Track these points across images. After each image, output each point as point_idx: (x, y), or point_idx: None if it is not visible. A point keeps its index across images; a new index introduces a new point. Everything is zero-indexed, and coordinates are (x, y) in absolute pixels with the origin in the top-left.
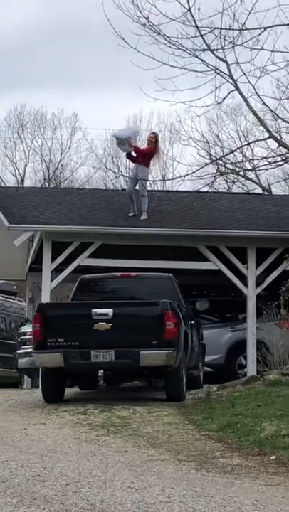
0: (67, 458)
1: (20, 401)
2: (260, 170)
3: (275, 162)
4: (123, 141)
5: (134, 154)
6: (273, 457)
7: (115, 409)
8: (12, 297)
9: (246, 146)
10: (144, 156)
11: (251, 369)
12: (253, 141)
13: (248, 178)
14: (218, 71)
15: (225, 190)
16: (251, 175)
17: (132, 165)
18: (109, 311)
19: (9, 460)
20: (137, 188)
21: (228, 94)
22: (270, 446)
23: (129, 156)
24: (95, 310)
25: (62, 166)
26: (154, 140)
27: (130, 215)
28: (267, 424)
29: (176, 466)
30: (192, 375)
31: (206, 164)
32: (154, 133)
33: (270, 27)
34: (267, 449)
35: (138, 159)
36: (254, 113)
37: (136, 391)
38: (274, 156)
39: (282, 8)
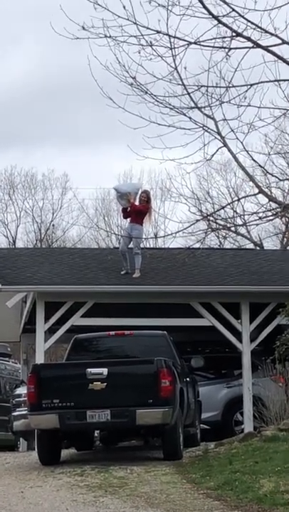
0: None
1: (16, 464)
2: (251, 225)
3: (265, 217)
4: (122, 196)
5: (128, 210)
6: None
7: (112, 469)
8: (6, 359)
9: (237, 202)
10: (137, 214)
11: (248, 425)
12: (243, 197)
13: (239, 234)
14: (206, 128)
15: (217, 246)
16: (242, 230)
17: (124, 223)
18: (104, 371)
19: None
20: (130, 245)
21: (217, 150)
22: (269, 503)
23: (123, 211)
24: (89, 369)
25: (53, 226)
26: (145, 199)
27: (122, 273)
28: (265, 480)
29: None
30: (189, 433)
31: (197, 221)
32: (145, 191)
33: (256, 83)
34: (266, 506)
35: (131, 216)
36: (243, 169)
37: (133, 450)
38: (264, 211)
39: (267, 64)
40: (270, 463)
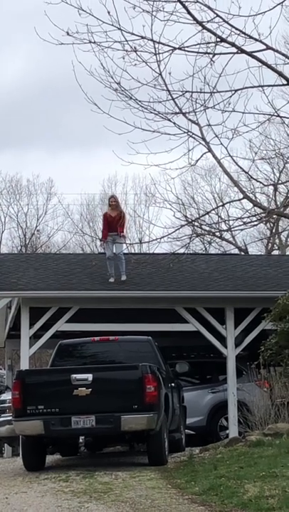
0: None
1: (0, 470)
2: (235, 230)
3: (250, 222)
4: None
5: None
6: None
7: (97, 475)
8: None
9: (221, 207)
10: (116, 223)
11: (233, 430)
12: (228, 202)
13: (224, 239)
14: (191, 133)
15: (201, 252)
16: (227, 235)
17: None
18: (89, 376)
19: None
20: (114, 251)
21: (201, 156)
22: (253, 508)
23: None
24: (74, 375)
25: (38, 231)
26: (115, 203)
27: (111, 280)
28: (250, 485)
29: None
30: (174, 438)
31: (182, 226)
32: (113, 196)
33: (240, 89)
34: (251, 511)
35: (112, 226)
36: (228, 174)
37: (118, 456)
38: (249, 216)
39: (251, 70)
40: (255, 468)
